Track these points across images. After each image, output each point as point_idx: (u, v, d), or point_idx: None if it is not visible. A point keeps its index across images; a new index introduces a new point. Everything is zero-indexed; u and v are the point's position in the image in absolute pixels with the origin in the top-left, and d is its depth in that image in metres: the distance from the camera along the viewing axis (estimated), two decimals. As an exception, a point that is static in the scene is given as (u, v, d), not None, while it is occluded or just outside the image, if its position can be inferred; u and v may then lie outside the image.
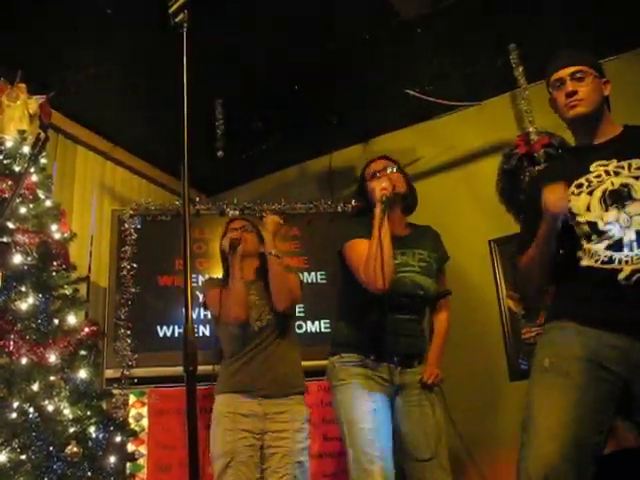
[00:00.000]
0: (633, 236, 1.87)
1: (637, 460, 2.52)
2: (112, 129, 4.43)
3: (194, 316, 3.77)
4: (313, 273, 4.06)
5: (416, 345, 2.59)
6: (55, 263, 2.98)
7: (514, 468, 1.89)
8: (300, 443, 2.70)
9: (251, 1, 3.33)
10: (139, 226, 4.01)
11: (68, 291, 2.99)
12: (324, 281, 4.04)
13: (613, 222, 1.90)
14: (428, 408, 2.48)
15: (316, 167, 4.89)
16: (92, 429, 2.74)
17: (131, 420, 3.53)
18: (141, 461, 3.50)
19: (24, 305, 2.73)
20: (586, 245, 1.93)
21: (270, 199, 4.24)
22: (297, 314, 3.81)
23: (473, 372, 3.84)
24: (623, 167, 1.97)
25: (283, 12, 3.42)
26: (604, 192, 1.95)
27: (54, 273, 2.95)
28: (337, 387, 2.51)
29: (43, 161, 3.24)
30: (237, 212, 4.08)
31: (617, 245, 1.88)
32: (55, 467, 2.49)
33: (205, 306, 3.10)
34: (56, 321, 2.84)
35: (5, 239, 2.82)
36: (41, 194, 3.12)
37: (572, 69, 2.07)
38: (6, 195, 2.88)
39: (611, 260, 1.87)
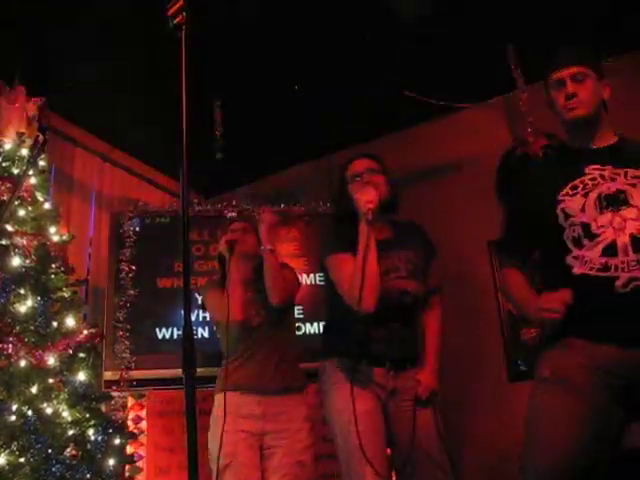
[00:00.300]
0: (627, 239, 1.84)
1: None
2: (111, 131, 4.43)
3: (193, 318, 3.77)
4: (312, 275, 4.06)
5: (408, 349, 2.52)
6: (54, 265, 2.98)
7: (513, 469, 1.89)
8: (300, 442, 2.68)
9: (250, 1, 3.34)
10: (138, 228, 4.01)
11: (67, 293, 2.99)
12: (323, 282, 4.03)
13: (607, 225, 1.87)
14: (424, 410, 2.45)
15: (315, 169, 4.89)
16: (91, 431, 2.74)
17: (130, 422, 3.53)
18: (140, 463, 3.50)
19: (23, 307, 2.73)
20: (578, 252, 1.89)
21: (269, 201, 4.24)
22: (296, 316, 3.81)
23: (472, 373, 3.84)
24: (619, 174, 1.95)
25: (284, 12, 3.43)
26: (599, 195, 1.92)
27: (53, 275, 2.95)
28: (329, 390, 2.47)
29: (42, 163, 3.24)
30: (235, 214, 4.08)
31: (611, 250, 1.84)
32: (54, 470, 2.49)
33: (204, 307, 3.10)
34: (55, 323, 2.84)
35: (4, 242, 2.82)
36: (40, 196, 3.12)
37: (573, 70, 2.03)
38: (5, 198, 2.88)
39: (606, 267, 1.83)
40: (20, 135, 3.19)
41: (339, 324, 2.53)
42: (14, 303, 2.72)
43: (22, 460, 2.43)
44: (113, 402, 3.52)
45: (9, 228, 2.88)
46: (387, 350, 2.41)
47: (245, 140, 4.37)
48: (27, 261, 2.85)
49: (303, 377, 2.85)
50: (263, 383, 2.69)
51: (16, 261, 2.81)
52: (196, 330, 3.77)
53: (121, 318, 3.78)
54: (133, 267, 3.89)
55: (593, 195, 1.93)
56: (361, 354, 2.38)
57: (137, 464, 3.46)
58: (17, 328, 2.67)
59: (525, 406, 1.92)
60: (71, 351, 2.83)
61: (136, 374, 3.68)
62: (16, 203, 2.96)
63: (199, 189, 5.07)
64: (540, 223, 2.01)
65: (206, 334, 3.77)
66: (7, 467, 2.37)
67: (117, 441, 2.85)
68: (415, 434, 2.38)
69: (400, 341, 2.46)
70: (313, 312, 3.92)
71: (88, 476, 2.60)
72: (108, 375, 3.67)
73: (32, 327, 2.71)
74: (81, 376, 2.82)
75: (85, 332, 2.97)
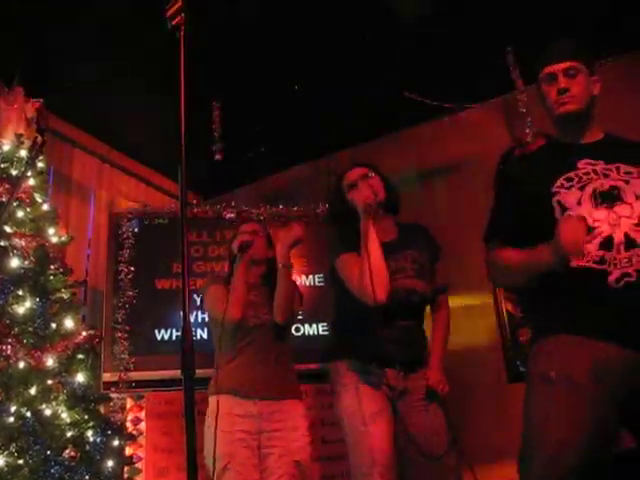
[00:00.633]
0: (622, 237, 1.84)
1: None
2: (109, 132, 4.43)
3: (192, 319, 3.76)
4: (311, 276, 4.06)
5: (417, 350, 2.55)
6: (52, 267, 2.98)
7: (512, 471, 1.88)
8: (296, 442, 2.66)
9: (249, 2, 3.34)
10: (136, 229, 4.01)
11: (65, 295, 2.99)
12: (322, 284, 4.03)
13: (602, 220, 1.87)
14: (434, 409, 2.47)
15: (315, 170, 4.89)
16: (90, 433, 2.74)
17: (129, 424, 3.52)
18: (139, 465, 3.50)
19: (21, 309, 2.73)
20: None
21: (268, 202, 4.24)
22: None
23: (471, 374, 3.84)
24: (611, 169, 1.95)
25: (283, 12, 3.43)
26: (594, 190, 1.92)
27: (51, 277, 2.95)
28: (340, 392, 2.49)
29: (40, 165, 3.25)
30: (234, 215, 4.08)
31: (608, 244, 1.84)
32: (53, 471, 2.49)
33: (203, 306, 3.09)
34: (53, 325, 2.84)
35: (2, 243, 2.82)
36: (38, 198, 3.12)
37: (565, 64, 2.03)
38: (3, 199, 2.88)
39: (602, 260, 1.83)
40: (19, 136, 3.19)
41: (348, 325, 2.56)
42: (13, 304, 2.72)
43: (21, 461, 2.43)
44: (112, 403, 3.51)
45: (8, 229, 2.88)
46: (397, 351, 2.43)
47: (244, 141, 4.38)
48: (26, 262, 2.85)
49: (297, 383, 2.84)
50: (257, 389, 2.67)
51: (15, 262, 2.81)
52: (195, 331, 3.77)
53: (120, 319, 3.77)
54: (132, 268, 3.88)
55: (589, 189, 1.93)
56: (372, 356, 2.43)
57: (136, 465, 3.45)
58: (16, 329, 2.67)
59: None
60: (70, 352, 2.84)
61: (135, 375, 3.68)
62: (15, 204, 2.96)
63: (198, 190, 5.07)
64: (534, 214, 1.98)
65: (205, 335, 3.76)
66: (6, 468, 2.37)
67: (116, 442, 2.85)
68: (426, 432, 2.41)
69: (409, 342, 2.50)
70: (312, 313, 3.91)
71: (87, 477, 2.61)
72: (107, 376, 3.66)
73: (31, 328, 2.72)
74: (80, 377, 2.82)
75: (84, 333, 2.97)
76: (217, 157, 4.10)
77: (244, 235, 2.90)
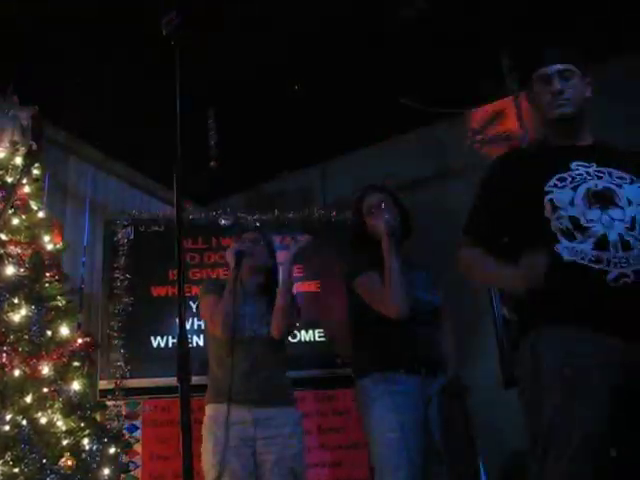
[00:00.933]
0: (616, 237, 1.84)
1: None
2: (104, 139, 4.42)
3: (188, 326, 3.76)
4: (307, 282, 4.06)
5: (437, 355, 2.69)
6: (48, 274, 2.97)
7: (511, 471, 1.87)
8: (292, 448, 2.66)
9: (243, 11, 3.35)
10: (132, 236, 4.00)
11: (61, 302, 2.98)
12: (318, 290, 4.03)
13: (596, 220, 1.87)
14: (458, 413, 2.63)
15: (310, 176, 4.90)
16: (86, 441, 2.72)
17: (125, 431, 3.51)
18: (135, 473, 3.48)
19: (17, 317, 2.72)
20: (568, 243, 1.86)
21: (263, 208, 4.24)
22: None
23: (468, 379, 3.83)
24: (604, 173, 1.95)
25: (279, 21, 3.44)
26: (588, 190, 1.92)
27: (47, 284, 2.94)
28: (370, 405, 2.57)
29: (35, 172, 3.24)
30: (230, 222, 4.08)
31: (603, 243, 1.83)
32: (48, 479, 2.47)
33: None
34: (49, 332, 2.83)
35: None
36: (33, 205, 3.12)
37: (560, 67, 2.04)
38: (-2, 206, 2.87)
39: (599, 259, 1.81)
40: (14, 144, 3.18)
41: (370, 337, 2.69)
42: (8, 312, 2.71)
43: (16, 470, 2.41)
44: (108, 411, 3.50)
45: (3, 237, 2.87)
46: (420, 357, 2.59)
47: (240, 148, 4.38)
48: (21, 270, 2.84)
49: (292, 390, 2.84)
50: (252, 397, 2.67)
51: (10, 270, 2.79)
52: (191, 338, 3.76)
53: (116, 327, 3.76)
54: (127, 275, 3.88)
55: (582, 190, 1.93)
56: (398, 364, 2.57)
57: (132, 473, 3.44)
58: (11, 337, 2.66)
59: (520, 411, 1.91)
60: (65, 360, 2.82)
61: (131, 383, 3.67)
62: (10, 212, 2.95)
63: (193, 197, 5.07)
64: (522, 213, 1.97)
65: (201, 342, 3.75)
66: (1, 477, 2.35)
67: (112, 450, 2.84)
68: (452, 436, 2.58)
69: (429, 347, 2.65)
70: (308, 320, 3.91)
71: (83, 486, 2.59)
72: (103, 384, 3.66)
73: (26, 336, 2.70)
74: (75, 385, 2.81)
75: (79, 341, 2.96)
76: (212, 164, 4.11)
77: (240, 244, 2.90)
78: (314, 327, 3.93)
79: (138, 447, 3.54)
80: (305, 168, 4.90)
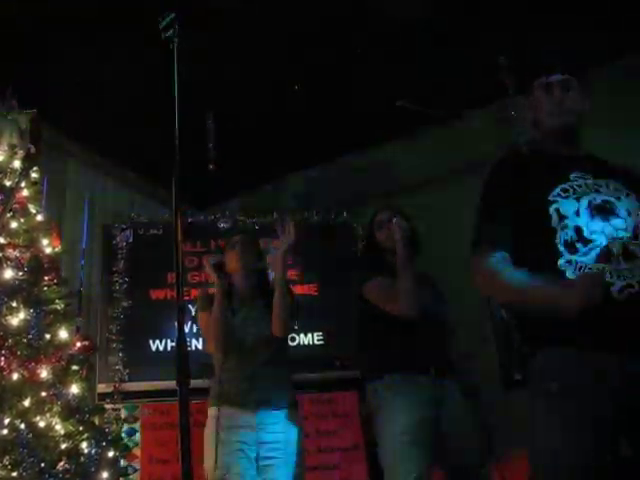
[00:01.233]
0: (620, 249, 1.84)
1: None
2: (103, 142, 4.42)
3: (187, 330, 3.76)
4: (305, 285, 4.06)
5: (446, 357, 2.73)
6: (46, 278, 2.97)
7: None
8: (295, 452, 2.68)
9: (241, 15, 3.35)
10: (131, 239, 4.00)
11: (59, 306, 2.97)
12: (316, 293, 4.03)
13: (598, 232, 1.87)
14: (470, 414, 2.63)
15: (308, 179, 4.90)
16: (84, 445, 2.72)
17: (124, 435, 3.51)
18: (134, 476, 3.48)
19: (15, 320, 2.71)
20: (571, 257, 1.86)
21: (262, 211, 4.24)
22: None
23: (467, 382, 3.83)
24: (602, 185, 1.96)
25: (277, 25, 3.44)
26: (590, 202, 1.92)
27: (45, 288, 2.94)
28: (382, 407, 2.58)
29: (34, 175, 3.23)
30: (229, 225, 4.08)
31: (606, 256, 1.83)
32: (47, 484, 2.47)
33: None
34: (47, 336, 2.82)
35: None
36: (32, 208, 3.11)
37: (563, 77, 2.06)
38: (-3, 210, 2.87)
39: (603, 272, 1.80)
40: (12, 147, 3.18)
41: (380, 340, 2.72)
42: (6, 316, 2.70)
43: (14, 474, 2.40)
44: (106, 415, 3.50)
45: (2, 240, 2.87)
46: (430, 358, 2.62)
47: (238, 151, 4.38)
48: (20, 273, 2.84)
49: (294, 393, 2.84)
50: (256, 400, 2.67)
51: (8, 273, 2.79)
52: (190, 341, 3.76)
53: (114, 330, 3.77)
54: (126, 279, 3.88)
55: (584, 201, 1.94)
56: (410, 365, 2.60)
57: (131, 477, 3.44)
58: (9, 341, 2.66)
59: (520, 414, 1.90)
60: (64, 364, 2.82)
61: (130, 386, 3.67)
62: (9, 215, 2.95)
63: (192, 200, 5.06)
64: (528, 222, 1.96)
65: (200, 345, 3.75)
66: (-1, 481, 2.35)
67: (111, 454, 2.83)
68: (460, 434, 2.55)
69: (438, 349, 2.69)
70: (307, 323, 3.91)
71: (82, 490, 2.59)
72: (101, 387, 3.66)
73: (25, 340, 2.70)
74: (74, 389, 2.81)
75: (78, 344, 2.96)
76: (211, 167, 4.11)
77: (213, 257, 2.92)
78: (312, 331, 3.93)
79: (137, 450, 3.54)
80: (304, 171, 4.90)
